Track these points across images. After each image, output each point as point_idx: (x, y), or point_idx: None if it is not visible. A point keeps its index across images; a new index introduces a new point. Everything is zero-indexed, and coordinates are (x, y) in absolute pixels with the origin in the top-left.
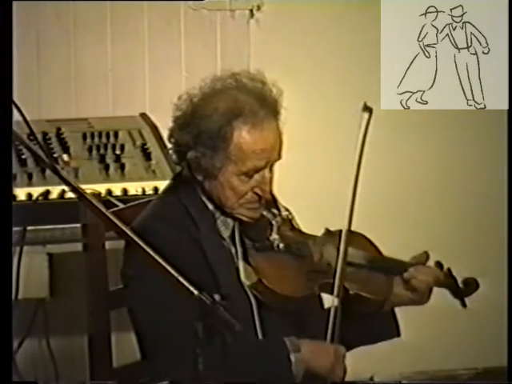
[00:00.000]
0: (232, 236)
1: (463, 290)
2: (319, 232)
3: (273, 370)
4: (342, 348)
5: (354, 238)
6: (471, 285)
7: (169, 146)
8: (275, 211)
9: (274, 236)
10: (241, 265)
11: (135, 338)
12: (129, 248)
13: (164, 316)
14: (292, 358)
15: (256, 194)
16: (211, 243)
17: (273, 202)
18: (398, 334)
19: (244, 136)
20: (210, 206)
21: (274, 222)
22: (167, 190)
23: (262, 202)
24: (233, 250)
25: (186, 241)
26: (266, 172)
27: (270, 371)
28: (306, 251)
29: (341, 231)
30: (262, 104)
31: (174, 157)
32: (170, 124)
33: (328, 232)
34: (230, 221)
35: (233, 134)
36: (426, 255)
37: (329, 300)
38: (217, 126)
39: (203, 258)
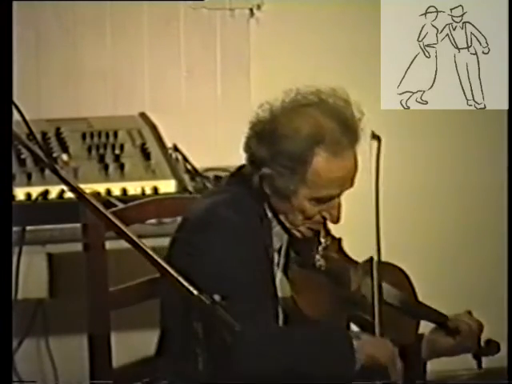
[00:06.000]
0: (279, 248)
1: (484, 349)
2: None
3: (336, 355)
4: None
5: (392, 273)
6: (492, 347)
7: (244, 154)
8: (328, 229)
9: (318, 256)
10: (278, 275)
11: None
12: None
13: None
14: (354, 343)
15: (323, 217)
16: (268, 247)
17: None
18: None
19: (323, 163)
20: (269, 215)
21: (322, 240)
22: (233, 183)
23: (327, 225)
24: (276, 260)
25: (253, 236)
26: (338, 198)
27: (333, 356)
28: (346, 278)
29: (379, 263)
30: (344, 131)
31: (248, 167)
32: (248, 131)
33: (371, 260)
34: (282, 233)
35: (312, 159)
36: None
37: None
38: (297, 149)
39: (264, 257)
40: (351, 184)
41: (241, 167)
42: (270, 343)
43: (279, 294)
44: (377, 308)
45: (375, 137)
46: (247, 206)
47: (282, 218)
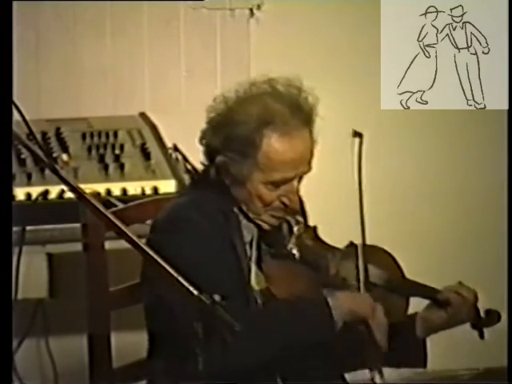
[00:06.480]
0: (251, 241)
1: (484, 320)
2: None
3: (313, 320)
4: (379, 304)
5: (375, 254)
6: (493, 317)
7: (200, 147)
8: (299, 218)
9: (291, 245)
10: (253, 269)
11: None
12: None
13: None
14: (330, 301)
15: (283, 202)
16: (238, 242)
17: (300, 209)
18: (425, 365)
19: (273, 145)
20: (235, 209)
21: (295, 229)
22: (196, 184)
23: (288, 211)
24: (248, 253)
25: (218, 234)
26: (295, 182)
27: (311, 322)
28: (323, 263)
29: (363, 246)
30: (294, 113)
31: (204, 159)
32: (204, 125)
33: (351, 245)
34: (251, 226)
35: (262, 141)
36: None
37: None
38: (246, 132)
39: (233, 254)
40: (308, 168)
41: (205, 167)
42: (249, 327)
43: (256, 286)
44: (362, 286)
45: (357, 134)
46: (209, 204)
47: (243, 208)
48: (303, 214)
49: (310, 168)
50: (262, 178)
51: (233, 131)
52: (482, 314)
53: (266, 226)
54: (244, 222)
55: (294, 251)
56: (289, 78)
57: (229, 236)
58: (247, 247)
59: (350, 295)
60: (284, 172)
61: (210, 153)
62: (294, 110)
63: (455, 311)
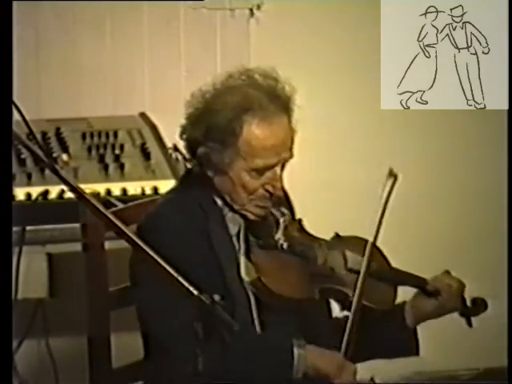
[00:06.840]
0: (238, 232)
1: (470, 309)
2: (327, 235)
3: (274, 362)
4: (352, 365)
5: (360, 244)
6: (479, 305)
7: (181, 142)
8: (284, 210)
9: (279, 235)
10: (242, 260)
11: (142, 338)
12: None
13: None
14: (295, 351)
15: (267, 190)
16: (219, 237)
17: (285, 201)
18: (417, 353)
19: (253, 131)
20: (219, 202)
21: (281, 221)
22: (180, 183)
23: (273, 199)
24: (237, 246)
25: (195, 231)
26: (278, 169)
27: (270, 362)
28: (311, 254)
29: (354, 238)
30: (272, 99)
31: (186, 153)
32: (183, 121)
33: (337, 236)
34: (237, 217)
35: (242, 128)
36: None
37: (336, 308)
38: (226, 120)
39: (210, 251)
40: (290, 154)
41: (190, 169)
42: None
43: (246, 278)
44: (361, 280)
45: (392, 174)
46: (186, 200)
47: (227, 199)
48: (290, 206)
49: (291, 154)
50: (244, 166)
51: (212, 121)
52: (468, 303)
53: (251, 217)
54: (229, 214)
55: (282, 241)
56: (265, 69)
57: (207, 231)
58: (234, 239)
59: (318, 350)
60: (266, 158)
61: (191, 146)
62: (271, 98)
63: (444, 300)
